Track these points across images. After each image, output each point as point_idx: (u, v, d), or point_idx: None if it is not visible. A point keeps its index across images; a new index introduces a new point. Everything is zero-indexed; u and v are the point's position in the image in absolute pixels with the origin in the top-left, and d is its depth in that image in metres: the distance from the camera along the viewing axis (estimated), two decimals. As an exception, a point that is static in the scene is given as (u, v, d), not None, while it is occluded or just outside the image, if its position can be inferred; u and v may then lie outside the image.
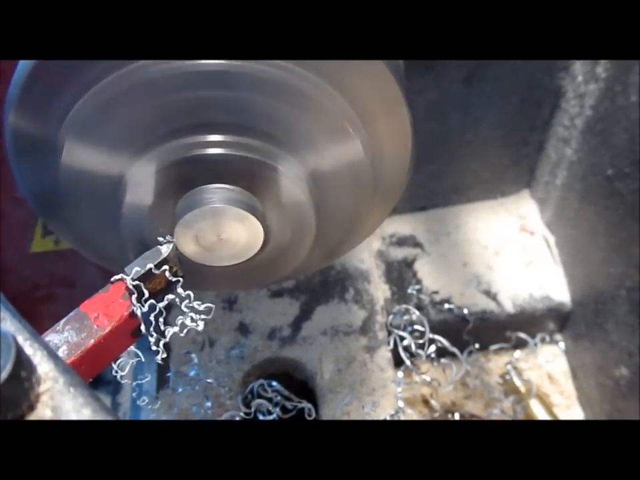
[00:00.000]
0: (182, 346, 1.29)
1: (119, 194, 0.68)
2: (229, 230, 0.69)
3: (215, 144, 0.66)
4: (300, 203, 0.70)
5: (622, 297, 1.19)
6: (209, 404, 1.19)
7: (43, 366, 0.43)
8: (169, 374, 1.24)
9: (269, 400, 1.19)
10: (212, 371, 1.26)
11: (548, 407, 1.37)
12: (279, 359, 1.30)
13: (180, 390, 1.22)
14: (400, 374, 1.28)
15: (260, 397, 1.20)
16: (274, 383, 1.22)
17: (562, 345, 1.49)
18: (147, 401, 1.20)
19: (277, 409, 1.18)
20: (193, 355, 1.25)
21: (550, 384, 1.44)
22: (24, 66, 0.64)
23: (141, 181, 0.67)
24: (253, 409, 1.17)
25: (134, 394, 1.30)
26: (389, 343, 1.29)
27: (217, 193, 0.68)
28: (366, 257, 1.44)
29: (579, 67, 1.24)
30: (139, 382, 1.22)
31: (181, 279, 0.70)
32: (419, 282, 1.45)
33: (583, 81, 1.24)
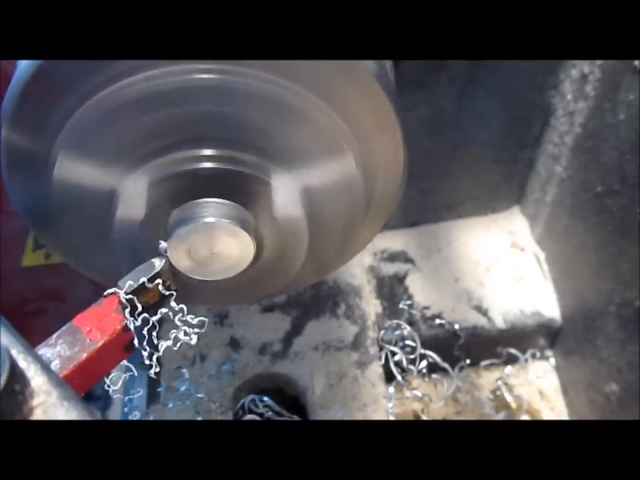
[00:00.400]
0: (173, 361, 1.28)
1: (110, 208, 0.68)
2: (221, 244, 0.69)
3: (207, 158, 0.67)
4: (292, 218, 0.70)
5: (611, 313, 1.19)
6: (199, 419, 1.18)
7: (37, 379, 0.43)
8: (159, 389, 1.23)
9: (260, 415, 1.19)
10: (203, 386, 1.25)
11: (539, 423, 1.37)
12: (270, 374, 1.30)
13: (170, 405, 1.21)
14: (391, 389, 1.28)
15: (251, 412, 1.20)
16: (265, 398, 1.22)
17: (552, 360, 1.49)
18: (138, 415, 1.19)
19: (268, 425, 1.18)
20: (184, 370, 1.24)
21: (541, 400, 1.44)
22: (18, 81, 0.64)
23: (133, 195, 0.67)
24: (243, 425, 1.16)
25: (125, 409, 1.29)
26: (380, 358, 1.29)
27: (210, 207, 0.68)
28: (357, 272, 1.44)
29: (568, 85, 1.26)
30: (130, 397, 1.22)
31: (174, 293, 0.70)
32: (410, 297, 1.45)
33: (573, 99, 1.25)
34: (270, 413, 1.19)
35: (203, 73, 0.63)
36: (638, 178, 1.07)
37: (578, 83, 1.23)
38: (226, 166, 0.67)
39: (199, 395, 1.21)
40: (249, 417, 1.17)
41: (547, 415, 1.43)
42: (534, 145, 1.40)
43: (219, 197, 0.68)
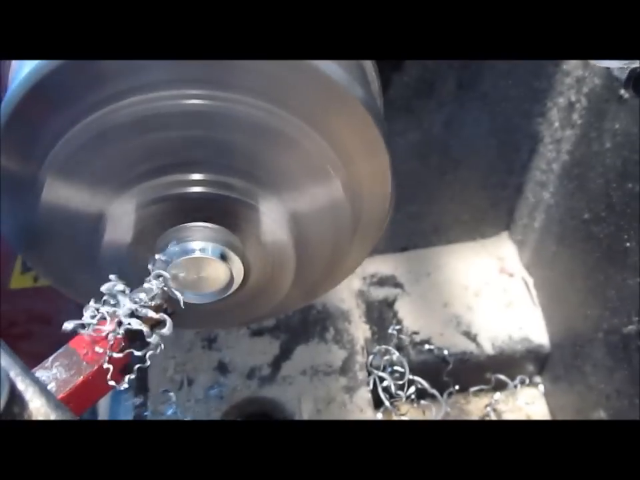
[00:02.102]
0: (160, 385, 1.27)
1: (98, 231, 0.68)
2: (209, 268, 0.69)
3: (196, 183, 0.67)
4: (280, 242, 0.70)
5: (599, 339, 1.20)
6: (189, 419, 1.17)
7: (35, 402, 0.43)
8: (146, 413, 1.22)
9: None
10: (190, 411, 1.24)
11: (528, 450, 1.36)
12: (258, 398, 1.29)
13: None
14: (379, 415, 1.28)
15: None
16: (252, 424, 1.20)
17: (541, 387, 1.49)
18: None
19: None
20: (171, 394, 1.23)
21: (529, 426, 1.44)
22: (7, 104, 0.64)
23: (121, 219, 0.67)
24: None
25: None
26: (368, 384, 1.28)
27: (198, 231, 0.69)
28: (347, 296, 1.44)
29: (555, 112, 1.27)
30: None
31: (170, 316, 0.70)
32: (399, 322, 1.45)
33: (560, 127, 1.27)
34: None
35: (192, 98, 0.64)
36: (624, 205, 1.08)
37: (565, 110, 1.24)
38: (214, 190, 0.67)
39: (185, 420, 1.20)
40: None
41: (536, 441, 1.42)
42: (522, 171, 1.42)
43: (207, 221, 0.69)
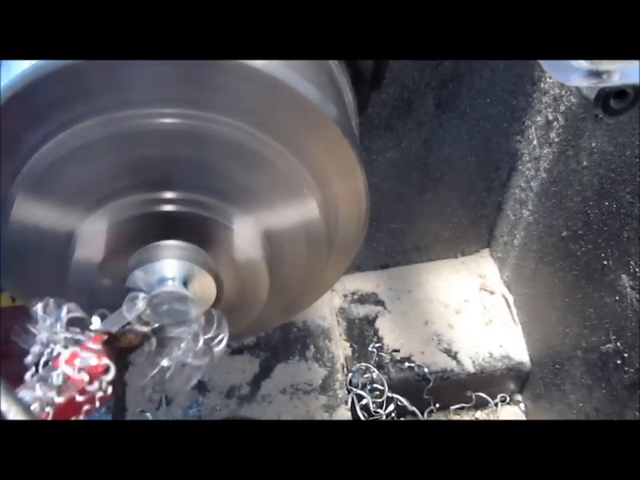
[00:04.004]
0: (138, 404, 1.26)
1: (68, 250, 0.67)
2: (180, 294, 0.68)
3: (168, 201, 0.66)
4: (253, 261, 0.70)
5: (578, 357, 1.20)
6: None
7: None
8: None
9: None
10: (167, 431, 1.23)
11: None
12: (237, 417, 1.28)
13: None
14: (358, 434, 1.27)
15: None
16: (230, 444, 1.19)
17: (522, 405, 1.49)
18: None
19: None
20: (148, 414, 1.22)
21: (511, 445, 1.43)
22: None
23: (92, 237, 0.67)
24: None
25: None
26: (346, 402, 1.28)
27: (170, 249, 0.68)
28: (327, 314, 1.44)
29: (533, 131, 1.28)
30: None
31: (155, 334, 0.69)
32: (380, 340, 1.44)
33: (538, 145, 1.28)
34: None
35: (166, 117, 0.63)
36: (601, 223, 1.08)
37: (543, 129, 1.25)
38: (187, 209, 0.66)
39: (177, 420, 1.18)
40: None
41: (517, 460, 1.42)
42: (501, 189, 1.42)
43: (180, 239, 0.68)
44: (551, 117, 1.22)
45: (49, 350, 0.62)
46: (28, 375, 0.60)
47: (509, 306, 1.50)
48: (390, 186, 1.35)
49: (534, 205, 1.33)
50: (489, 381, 1.44)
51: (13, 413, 0.43)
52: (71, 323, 0.66)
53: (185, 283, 0.68)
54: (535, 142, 1.28)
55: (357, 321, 1.48)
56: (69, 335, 0.64)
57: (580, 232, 1.16)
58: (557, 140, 1.21)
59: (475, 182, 1.39)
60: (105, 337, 0.65)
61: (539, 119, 1.26)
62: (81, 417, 0.63)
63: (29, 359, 0.61)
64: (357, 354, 1.42)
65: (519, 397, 1.49)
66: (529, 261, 1.38)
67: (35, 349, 0.62)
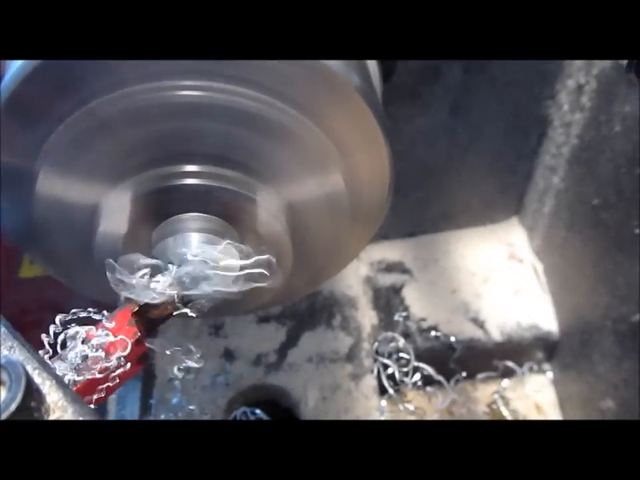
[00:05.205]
0: (166, 373, 1.28)
1: (93, 223, 0.68)
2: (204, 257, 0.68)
3: (192, 174, 0.66)
4: (276, 233, 0.70)
5: (608, 328, 1.18)
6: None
7: (52, 395, 0.43)
8: (152, 400, 1.23)
9: (252, 428, 1.18)
10: (196, 398, 1.25)
11: (535, 437, 1.36)
12: (264, 385, 1.29)
13: (162, 417, 1.21)
14: (384, 402, 1.27)
15: (242, 425, 1.19)
16: (257, 411, 1.21)
17: (550, 374, 1.48)
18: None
19: (260, 438, 1.17)
20: (177, 382, 1.23)
21: (537, 414, 1.43)
22: (2, 93, 0.64)
23: (116, 210, 0.67)
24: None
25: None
26: (372, 371, 1.28)
27: (194, 221, 0.68)
28: (354, 283, 1.43)
29: (564, 95, 1.25)
30: (121, 409, 1.21)
31: (185, 306, 0.70)
32: (406, 309, 1.44)
33: (569, 110, 1.24)
34: (261, 426, 1.18)
35: (189, 89, 0.63)
36: (634, 191, 1.06)
37: (574, 93, 1.22)
38: (211, 182, 0.66)
39: (190, 407, 1.20)
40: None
41: (544, 429, 1.41)
42: (531, 156, 1.39)
43: (204, 212, 0.68)
44: (582, 81, 1.19)
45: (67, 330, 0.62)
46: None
47: (537, 275, 1.48)
48: (417, 154, 1.33)
49: (564, 172, 1.30)
50: (516, 350, 1.43)
51: (47, 387, 0.44)
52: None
53: (208, 256, 0.68)
54: (565, 107, 1.25)
55: (383, 290, 1.48)
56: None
57: (611, 200, 1.13)
58: (588, 105, 1.18)
59: (503, 149, 1.37)
60: (136, 308, 0.66)
61: (570, 82, 1.23)
62: (103, 395, 0.64)
63: (49, 338, 0.61)
64: (383, 323, 1.42)
65: (546, 366, 1.48)
66: (559, 229, 1.36)
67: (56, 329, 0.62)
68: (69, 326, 0.63)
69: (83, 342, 0.62)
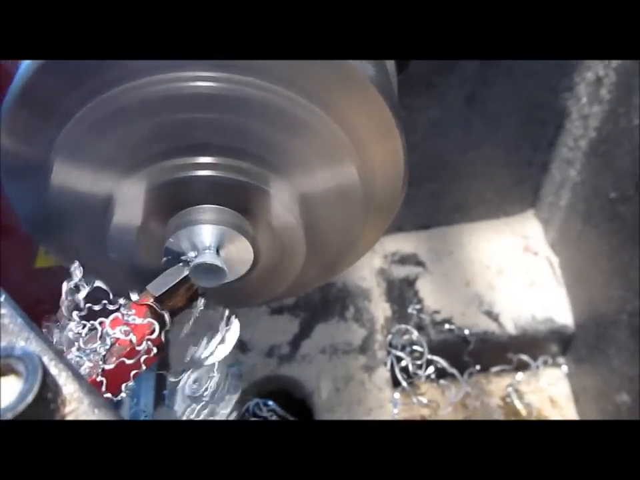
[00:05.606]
0: (180, 363, 1.28)
1: (107, 214, 0.68)
2: (220, 250, 0.68)
3: (206, 166, 0.66)
4: (290, 226, 0.70)
5: (623, 321, 1.17)
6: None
7: (68, 387, 0.43)
8: (165, 391, 1.23)
9: (265, 419, 1.18)
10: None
11: (549, 431, 1.35)
12: (277, 377, 1.30)
13: (176, 407, 1.21)
14: (397, 395, 1.27)
15: (255, 415, 1.19)
16: (270, 402, 1.21)
17: (564, 368, 1.47)
18: (143, 417, 1.19)
19: (272, 429, 1.17)
20: (189, 372, 1.24)
21: (552, 407, 1.42)
22: (14, 88, 0.64)
23: (130, 201, 0.67)
24: (247, 428, 1.15)
25: (132, 410, 1.30)
26: (385, 364, 1.28)
27: (208, 213, 0.68)
28: (367, 274, 1.43)
29: (583, 87, 1.23)
30: (136, 400, 1.22)
31: (201, 297, 0.70)
32: (420, 301, 1.44)
33: (587, 102, 1.23)
34: (274, 417, 1.18)
35: (203, 80, 0.63)
36: (652, 185, 1.05)
37: (593, 85, 1.20)
38: (224, 174, 0.66)
39: (203, 398, 1.20)
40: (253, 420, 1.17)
41: (558, 422, 1.41)
42: (548, 148, 1.38)
43: (217, 204, 0.68)
44: (601, 73, 1.17)
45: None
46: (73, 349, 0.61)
47: (553, 268, 1.47)
48: (431, 145, 1.32)
49: (581, 164, 1.29)
50: (531, 343, 1.42)
51: (64, 379, 0.43)
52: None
53: (220, 248, 0.68)
54: (584, 99, 1.23)
55: (397, 282, 1.47)
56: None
57: (629, 193, 1.12)
58: (607, 97, 1.16)
59: (519, 140, 1.35)
60: (151, 300, 0.66)
61: (589, 74, 1.21)
62: (130, 382, 0.64)
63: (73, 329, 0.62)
64: (396, 315, 1.42)
65: (561, 360, 1.47)
66: (575, 222, 1.35)
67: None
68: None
69: (110, 327, 0.62)
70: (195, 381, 0.70)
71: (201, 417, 0.70)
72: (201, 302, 0.72)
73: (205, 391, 0.71)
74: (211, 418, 0.70)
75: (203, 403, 0.71)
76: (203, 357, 0.69)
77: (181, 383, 0.69)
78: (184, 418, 0.69)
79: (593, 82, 1.20)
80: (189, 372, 0.69)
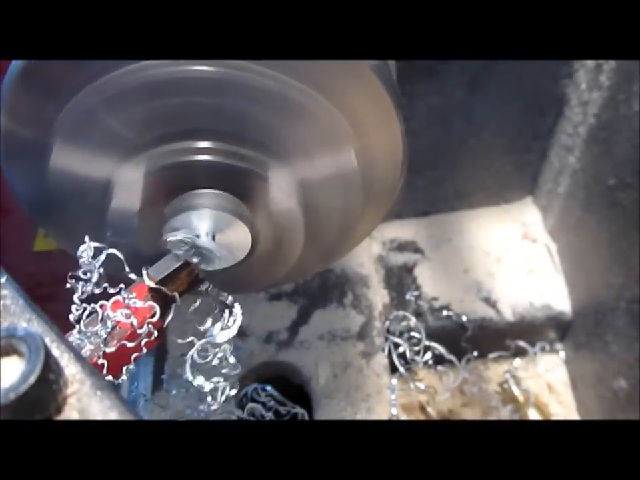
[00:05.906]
0: (178, 348, 1.28)
1: (106, 198, 0.68)
2: (217, 235, 0.68)
3: (204, 151, 0.66)
4: (288, 211, 0.70)
5: (622, 308, 1.17)
6: (202, 407, 1.18)
7: (70, 368, 0.43)
8: (163, 376, 1.24)
9: (263, 404, 1.19)
10: (207, 374, 1.25)
11: (546, 417, 1.36)
12: (275, 362, 1.30)
13: (174, 392, 1.21)
14: (394, 381, 1.28)
15: (254, 401, 1.20)
16: (268, 388, 1.21)
17: (562, 354, 1.47)
18: (143, 401, 1.19)
19: (271, 414, 1.18)
20: (187, 357, 1.24)
21: (549, 393, 1.43)
22: (15, 69, 0.64)
23: (129, 185, 0.67)
24: (245, 413, 1.16)
25: (131, 395, 1.30)
26: (383, 350, 1.28)
27: (206, 198, 0.68)
28: (366, 261, 1.43)
29: (582, 74, 1.23)
30: (135, 384, 1.22)
31: (202, 281, 0.70)
32: (418, 288, 1.44)
33: (587, 89, 1.23)
34: (272, 402, 1.19)
35: (203, 65, 0.63)
36: (651, 172, 1.05)
37: (592, 72, 1.20)
38: (223, 159, 0.66)
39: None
40: (251, 405, 1.17)
41: (555, 409, 1.41)
42: (547, 135, 1.38)
43: (216, 189, 0.68)
44: (601, 60, 1.17)
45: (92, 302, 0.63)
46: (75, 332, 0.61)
47: (551, 255, 1.47)
48: (432, 132, 1.32)
49: (581, 151, 1.29)
50: (529, 329, 1.42)
51: (66, 360, 0.43)
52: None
53: (218, 233, 0.68)
54: (583, 85, 1.23)
55: (395, 269, 1.48)
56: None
57: (628, 180, 1.12)
58: (607, 84, 1.16)
59: (519, 128, 1.35)
60: (152, 284, 0.66)
61: (588, 61, 1.21)
62: (131, 365, 0.64)
63: (74, 312, 0.62)
64: (394, 302, 1.42)
65: (558, 346, 1.48)
66: (574, 209, 1.35)
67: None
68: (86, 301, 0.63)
69: (111, 310, 0.63)
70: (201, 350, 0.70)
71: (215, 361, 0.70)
72: (204, 286, 0.72)
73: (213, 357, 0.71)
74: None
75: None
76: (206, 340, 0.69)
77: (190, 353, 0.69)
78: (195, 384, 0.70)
79: (593, 68, 1.20)
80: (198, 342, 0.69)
